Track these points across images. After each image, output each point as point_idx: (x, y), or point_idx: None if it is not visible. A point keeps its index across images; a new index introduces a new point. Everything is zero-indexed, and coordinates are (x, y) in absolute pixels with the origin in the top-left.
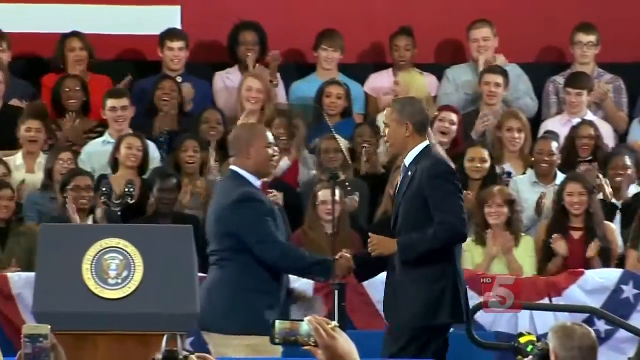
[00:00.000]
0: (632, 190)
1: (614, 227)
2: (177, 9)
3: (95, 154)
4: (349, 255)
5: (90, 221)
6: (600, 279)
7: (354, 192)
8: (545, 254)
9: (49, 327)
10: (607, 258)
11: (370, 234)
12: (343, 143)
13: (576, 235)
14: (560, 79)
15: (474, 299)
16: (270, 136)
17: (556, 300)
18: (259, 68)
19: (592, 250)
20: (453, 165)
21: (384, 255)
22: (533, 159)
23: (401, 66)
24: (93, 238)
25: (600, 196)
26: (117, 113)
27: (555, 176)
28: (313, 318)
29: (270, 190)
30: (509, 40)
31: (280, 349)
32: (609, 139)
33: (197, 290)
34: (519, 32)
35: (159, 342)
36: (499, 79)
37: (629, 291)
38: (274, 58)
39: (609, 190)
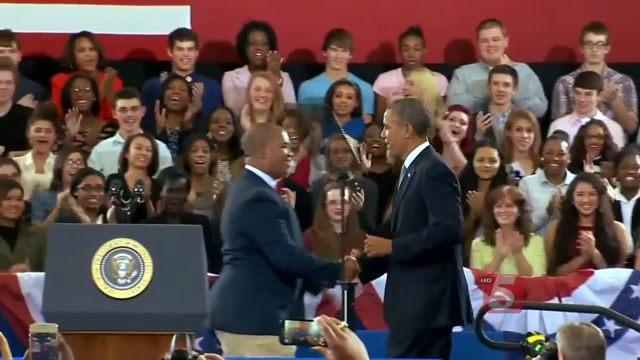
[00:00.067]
0: None
1: (624, 227)
2: (186, 8)
3: (105, 154)
4: (354, 258)
5: (99, 221)
6: (609, 279)
7: (359, 192)
8: (555, 253)
9: (56, 325)
10: (616, 258)
11: (367, 234)
12: (352, 143)
13: None
14: (569, 79)
15: (482, 300)
16: (285, 136)
17: (565, 300)
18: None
19: (585, 243)
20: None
21: (380, 255)
22: (542, 159)
23: (410, 66)
24: (102, 238)
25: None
26: (127, 113)
27: (564, 176)
28: (322, 318)
29: (283, 189)
30: (518, 39)
31: (293, 348)
32: (619, 138)
33: (206, 290)
34: (529, 32)
35: (168, 341)
36: (508, 79)
37: (638, 291)
38: (272, 58)
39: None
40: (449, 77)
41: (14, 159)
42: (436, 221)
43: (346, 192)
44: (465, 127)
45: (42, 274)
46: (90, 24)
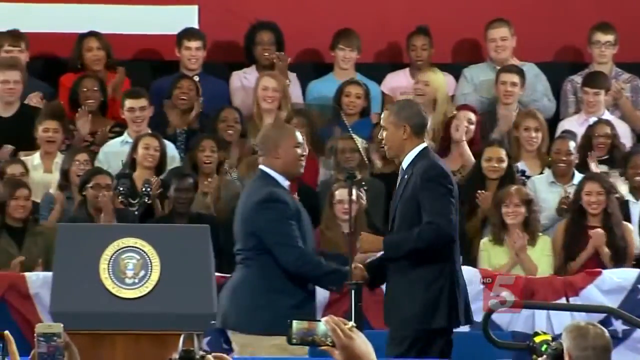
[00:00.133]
0: None
1: (632, 227)
2: (194, 8)
3: (113, 153)
4: (362, 265)
5: (103, 220)
6: (617, 279)
7: (364, 191)
8: (564, 253)
9: (62, 325)
10: (624, 258)
11: (361, 232)
12: (360, 143)
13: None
14: (578, 79)
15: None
16: (299, 136)
17: (573, 300)
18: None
19: (596, 239)
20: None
21: (371, 252)
22: (550, 159)
23: (418, 66)
24: (110, 237)
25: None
26: (135, 113)
27: (572, 176)
28: (330, 318)
29: None
30: (526, 39)
31: (306, 348)
32: (626, 138)
33: (214, 290)
34: (537, 32)
35: (176, 341)
36: (515, 78)
37: None
38: (280, 58)
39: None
40: (457, 77)
41: (22, 158)
42: (429, 220)
43: (354, 191)
44: (473, 127)
45: (50, 273)
46: (98, 23)
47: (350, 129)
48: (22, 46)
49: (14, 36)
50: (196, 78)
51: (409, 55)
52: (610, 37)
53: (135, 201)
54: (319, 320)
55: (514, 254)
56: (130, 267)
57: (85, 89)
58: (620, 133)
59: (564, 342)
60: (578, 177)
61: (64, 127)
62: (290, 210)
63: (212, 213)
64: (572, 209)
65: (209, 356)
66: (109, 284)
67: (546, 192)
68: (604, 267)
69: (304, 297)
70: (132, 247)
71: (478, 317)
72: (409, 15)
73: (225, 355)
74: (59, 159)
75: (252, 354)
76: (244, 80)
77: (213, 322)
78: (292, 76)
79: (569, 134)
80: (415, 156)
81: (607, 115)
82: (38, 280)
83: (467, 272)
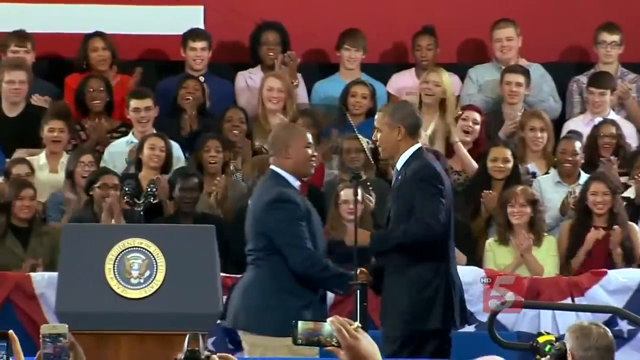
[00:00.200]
0: None
1: (637, 228)
2: (199, 8)
3: (118, 154)
4: (366, 270)
5: (114, 221)
6: (622, 279)
7: (371, 192)
8: (568, 253)
9: (67, 326)
10: (630, 258)
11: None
12: (365, 143)
13: (599, 235)
14: (583, 79)
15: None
16: (309, 136)
17: (579, 300)
18: (282, 68)
19: (614, 242)
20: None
21: (358, 245)
22: (556, 159)
23: (424, 66)
24: (115, 238)
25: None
26: (141, 114)
27: (578, 176)
28: (335, 318)
29: None
30: (532, 39)
31: (317, 349)
32: (632, 138)
33: (219, 290)
34: (542, 32)
35: (181, 341)
36: (520, 78)
37: None
38: (290, 58)
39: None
40: (462, 77)
41: (28, 158)
42: (417, 218)
43: (359, 192)
44: (478, 127)
45: (56, 273)
46: (104, 24)
47: (355, 129)
48: (28, 46)
49: (20, 36)
50: (201, 78)
51: (414, 56)
52: (615, 37)
53: (141, 201)
54: (325, 321)
55: (518, 254)
56: (136, 267)
57: (91, 89)
58: (626, 133)
59: (567, 342)
60: (584, 177)
61: (69, 127)
62: (300, 211)
63: (218, 213)
64: (578, 209)
65: (214, 356)
66: (114, 284)
67: (552, 192)
68: (610, 268)
69: (316, 298)
70: (138, 247)
71: (483, 318)
72: (415, 15)
73: (230, 356)
74: (64, 158)
75: (262, 354)
76: (249, 80)
77: (218, 321)
78: (298, 76)
79: (574, 134)
80: (410, 157)
81: (612, 116)
82: (43, 281)
83: (473, 272)
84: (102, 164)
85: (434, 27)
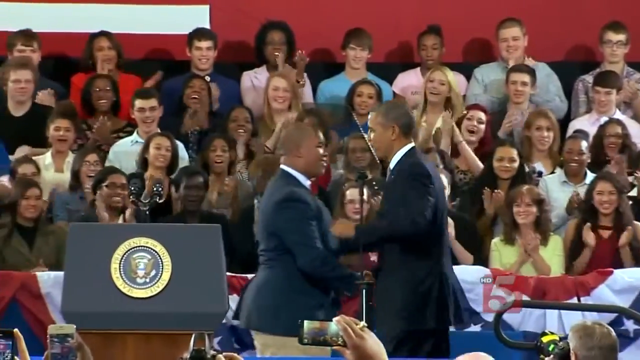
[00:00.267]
0: None
1: None
2: (205, 8)
3: (123, 153)
4: (370, 273)
5: (120, 221)
6: (629, 279)
7: (378, 192)
8: (574, 253)
9: (74, 326)
10: (637, 258)
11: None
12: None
13: (605, 234)
14: (589, 78)
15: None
16: (321, 135)
17: (585, 300)
18: (286, 67)
19: (625, 238)
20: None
21: (343, 236)
22: (562, 158)
23: (429, 65)
24: (121, 237)
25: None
26: (145, 114)
27: (585, 175)
28: (341, 318)
29: None
30: (538, 39)
31: (329, 349)
32: (638, 137)
33: (225, 289)
34: (548, 31)
35: (187, 341)
36: (526, 78)
37: None
38: (300, 58)
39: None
40: (468, 77)
41: (34, 158)
42: (404, 213)
43: (365, 191)
44: (483, 127)
45: (62, 273)
46: (110, 23)
47: (361, 129)
48: (35, 46)
49: (27, 36)
50: (207, 78)
51: (420, 55)
52: (621, 37)
53: (147, 201)
54: (331, 320)
55: (522, 253)
56: (142, 267)
57: (97, 89)
58: (631, 133)
59: (570, 342)
60: (590, 176)
61: (75, 126)
62: (310, 210)
63: (225, 212)
64: (584, 209)
65: (220, 356)
66: (120, 283)
67: (558, 191)
68: (616, 267)
69: (328, 298)
70: (144, 246)
71: (489, 317)
72: (420, 15)
73: (236, 355)
74: (70, 158)
75: (273, 354)
76: (254, 80)
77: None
78: (304, 76)
79: (581, 134)
80: (403, 156)
81: (618, 115)
82: (49, 280)
83: (478, 271)
84: (107, 164)
85: (440, 26)
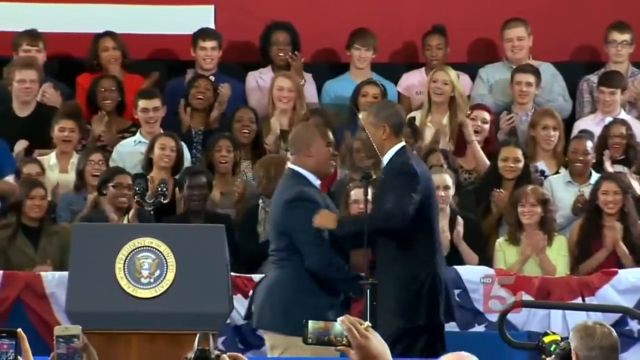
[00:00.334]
0: None
1: None
2: (210, 8)
3: (127, 153)
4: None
5: (125, 221)
6: (633, 279)
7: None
8: (578, 253)
9: (80, 327)
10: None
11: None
12: None
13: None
14: (594, 78)
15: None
16: (331, 135)
17: (589, 300)
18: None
19: (610, 238)
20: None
21: (324, 226)
22: (567, 158)
23: (434, 65)
24: (126, 237)
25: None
26: (149, 114)
27: (590, 175)
28: (346, 318)
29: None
30: (542, 39)
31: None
32: None
33: (229, 289)
34: (553, 31)
35: (191, 341)
36: (530, 78)
37: None
38: (296, 58)
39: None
40: (472, 77)
41: (39, 158)
42: (386, 208)
43: (369, 191)
44: (487, 126)
45: (66, 273)
46: (114, 23)
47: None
48: (40, 46)
49: (32, 36)
50: (212, 78)
51: (424, 55)
52: (626, 37)
53: (151, 201)
54: (335, 320)
55: (526, 252)
56: (146, 267)
57: (103, 89)
58: (636, 133)
59: (571, 342)
60: (595, 176)
61: (80, 126)
62: (319, 209)
63: (230, 212)
64: (588, 209)
65: (224, 355)
66: (124, 283)
67: (562, 191)
68: (620, 267)
69: (338, 299)
70: (148, 246)
71: (493, 318)
72: (425, 15)
73: (240, 355)
74: (74, 158)
75: (282, 354)
76: (259, 80)
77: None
78: (308, 76)
79: (586, 134)
80: (393, 155)
81: (623, 115)
82: (54, 280)
83: (482, 271)
84: (111, 164)
85: (444, 26)
